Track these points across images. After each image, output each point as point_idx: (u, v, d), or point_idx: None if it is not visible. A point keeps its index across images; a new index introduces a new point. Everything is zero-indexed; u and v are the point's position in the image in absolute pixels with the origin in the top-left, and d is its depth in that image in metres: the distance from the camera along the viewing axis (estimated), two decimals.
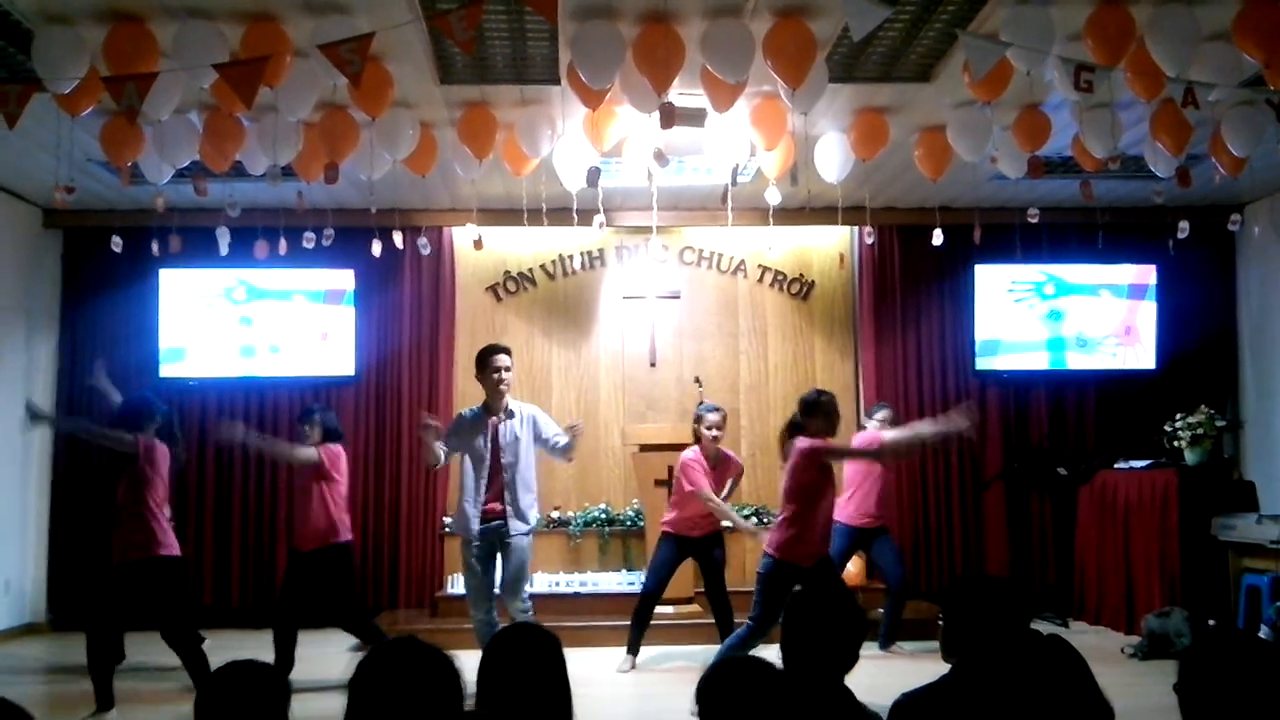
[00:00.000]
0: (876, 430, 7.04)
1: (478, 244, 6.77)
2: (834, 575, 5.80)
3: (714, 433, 6.67)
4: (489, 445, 5.96)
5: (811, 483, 5.54)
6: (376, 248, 6.88)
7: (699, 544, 6.70)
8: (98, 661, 5.43)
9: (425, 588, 8.38)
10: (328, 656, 6.41)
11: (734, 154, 6.27)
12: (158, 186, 6.10)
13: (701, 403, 7.07)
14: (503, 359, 5.98)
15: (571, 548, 8.35)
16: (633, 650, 6.77)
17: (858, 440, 7.14)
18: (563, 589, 7.91)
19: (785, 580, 5.46)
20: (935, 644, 2.86)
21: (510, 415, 6.00)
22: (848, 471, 7.20)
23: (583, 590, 7.92)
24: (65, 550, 8.17)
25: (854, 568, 7.69)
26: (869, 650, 7.01)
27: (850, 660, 2.82)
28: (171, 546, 5.57)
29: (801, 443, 5.55)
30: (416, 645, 2.37)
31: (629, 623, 6.80)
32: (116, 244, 6.40)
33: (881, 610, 7.17)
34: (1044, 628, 6.94)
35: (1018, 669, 2.28)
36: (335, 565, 6.28)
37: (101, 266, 8.27)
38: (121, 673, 5.97)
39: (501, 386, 5.96)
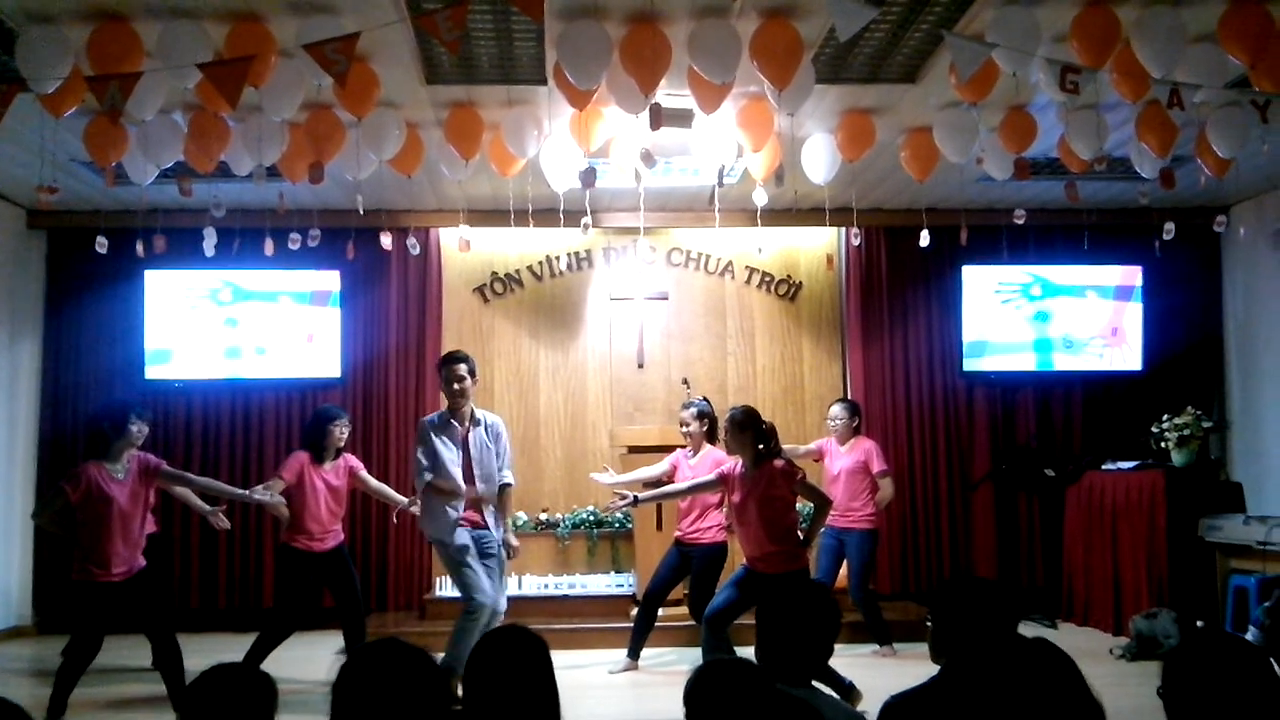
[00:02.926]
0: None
1: (464, 245, 6.74)
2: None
3: (681, 429, 6.86)
4: (461, 454, 5.94)
5: None
6: (350, 251, 6.86)
7: (686, 550, 6.72)
8: (75, 669, 5.36)
9: (414, 590, 8.35)
10: (316, 659, 6.38)
11: (721, 155, 6.27)
12: (142, 187, 6.06)
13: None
14: (457, 368, 5.94)
15: (560, 550, 8.33)
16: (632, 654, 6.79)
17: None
18: (551, 591, 7.89)
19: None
20: (924, 645, 2.85)
21: (477, 423, 6.02)
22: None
23: (571, 592, 7.91)
24: (51, 553, 8.09)
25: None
26: (859, 650, 7.07)
27: (824, 654, 2.81)
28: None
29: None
30: (399, 646, 2.36)
31: (616, 625, 6.77)
32: (101, 245, 6.35)
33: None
34: (1032, 629, 6.96)
35: (1006, 672, 2.28)
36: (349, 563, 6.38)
37: (86, 267, 8.23)
38: (110, 673, 5.92)
39: (459, 397, 5.95)
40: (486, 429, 6.04)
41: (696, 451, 6.76)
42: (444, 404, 6.09)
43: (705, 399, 7.05)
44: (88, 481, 5.31)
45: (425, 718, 2.27)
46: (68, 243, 8.43)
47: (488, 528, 5.96)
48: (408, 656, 2.33)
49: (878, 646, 7.15)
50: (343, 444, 6.35)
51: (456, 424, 5.97)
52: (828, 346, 9.05)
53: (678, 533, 6.77)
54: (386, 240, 6.92)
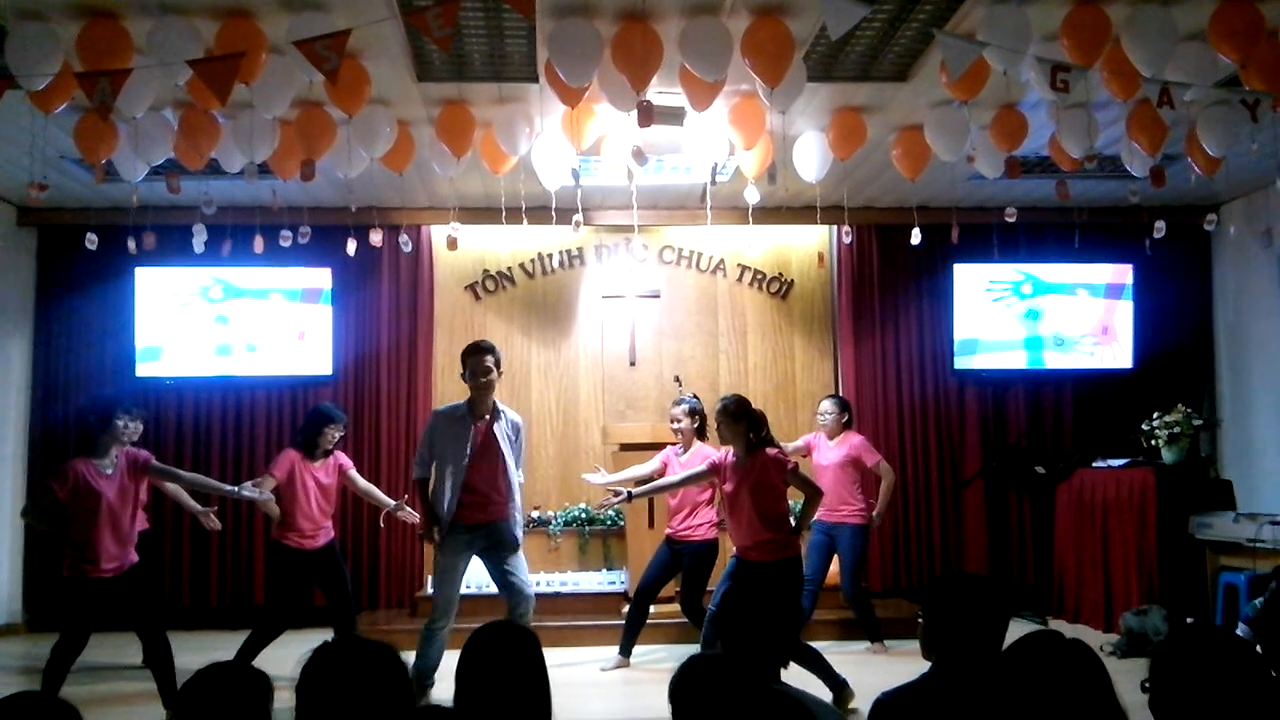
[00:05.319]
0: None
1: (452, 243, 6.68)
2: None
3: (671, 425, 6.84)
4: (470, 451, 5.85)
5: None
6: (351, 246, 6.82)
7: (678, 548, 6.72)
8: (61, 665, 5.32)
9: (405, 587, 8.35)
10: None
11: (713, 153, 6.27)
12: (133, 184, 6.04)
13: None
14: (485, 359, 5.84)
15: (552, 547, 8.33)
16: (624, 651, 6.81)
17: None
18: (543, 589, 7.86)
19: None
20: (915, 642, 2.85)
21: (498, 417, 5.94)
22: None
23: (563, 590, 7.91)
24: (41, 550, 8.08)
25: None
26: (851, 647, 7.08)
27: (784, 643, 2.81)
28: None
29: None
30: (360, 642, 2.36)
31: (608, 622, 6.78)
32: (91, 241, 6.30)
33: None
34: (1023, 626, 6.97)
35: (1018, 668, 2.28)
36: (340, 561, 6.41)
37: (76, 264, 8.21)
38: (100, 670, 5.90)
39: (484, 390, 5.86)
40: (508, 423, 5.97)
41: (687, 448, 6.77)
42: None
43: (695, 396, 7.05)
44: (75, 478, 5.30)
45: (388, 713, 2.27)
46: (58, 240, 8.41)
47: (495, 520, 5.89)
48: (370, 652, 2.33)
49: (869, 643, 7.16)
50: (333, 445, 6.35)
51: (473, 418, 5.90)
52: (819, 344, 9.06)
53: (669, 530, 6.77)
54: (377, 237, 6.89)
